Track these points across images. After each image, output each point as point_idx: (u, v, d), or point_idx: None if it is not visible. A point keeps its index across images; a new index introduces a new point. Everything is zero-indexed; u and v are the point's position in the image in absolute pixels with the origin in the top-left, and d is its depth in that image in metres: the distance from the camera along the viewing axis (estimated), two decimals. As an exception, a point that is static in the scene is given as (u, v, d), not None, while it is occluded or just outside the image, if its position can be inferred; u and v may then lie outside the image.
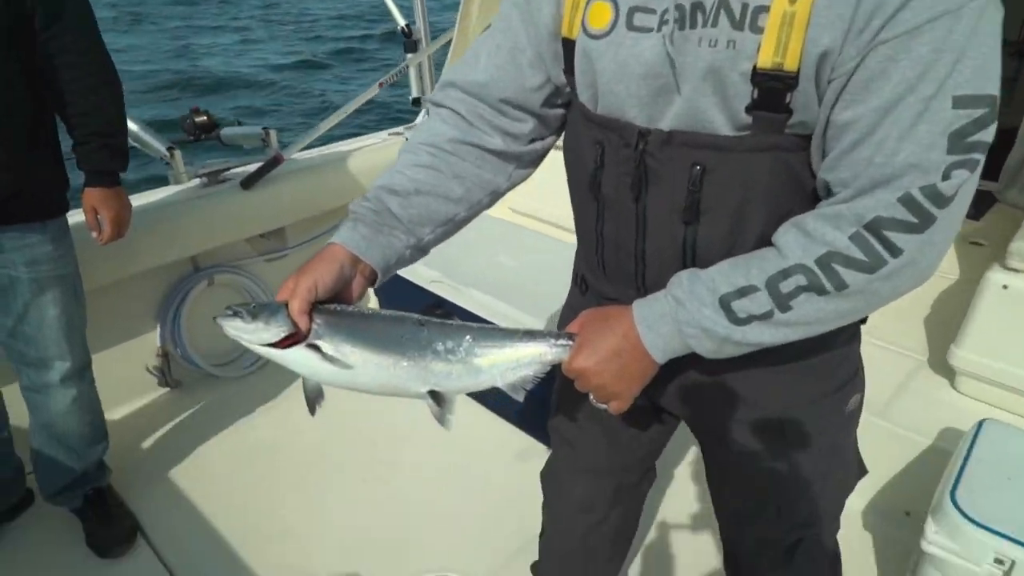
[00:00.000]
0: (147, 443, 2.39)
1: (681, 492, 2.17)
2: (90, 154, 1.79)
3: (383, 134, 3.32)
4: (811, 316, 0.85)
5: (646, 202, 0.95)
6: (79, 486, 2.01)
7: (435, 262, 2.52)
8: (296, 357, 0.92)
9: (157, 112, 9.75)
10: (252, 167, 2.69)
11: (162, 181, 2.62)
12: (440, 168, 1.05)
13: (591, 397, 0.96)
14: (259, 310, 0.91)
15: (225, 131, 2.81)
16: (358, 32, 16.46)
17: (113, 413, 2.45)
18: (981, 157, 0.77)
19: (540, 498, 1.50)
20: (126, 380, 2.52)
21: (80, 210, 1.90)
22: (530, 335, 0.95)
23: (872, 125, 0.78)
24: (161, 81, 12.17)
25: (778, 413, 1.05)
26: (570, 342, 0.94)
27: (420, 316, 0.95)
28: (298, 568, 1.92)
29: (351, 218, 1.02)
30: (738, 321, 0.86)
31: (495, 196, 1.11)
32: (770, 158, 0.86)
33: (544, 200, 3.32)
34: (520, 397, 0.95)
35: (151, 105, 10.38)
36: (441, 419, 0.95)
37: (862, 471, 1.18)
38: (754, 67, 0.81)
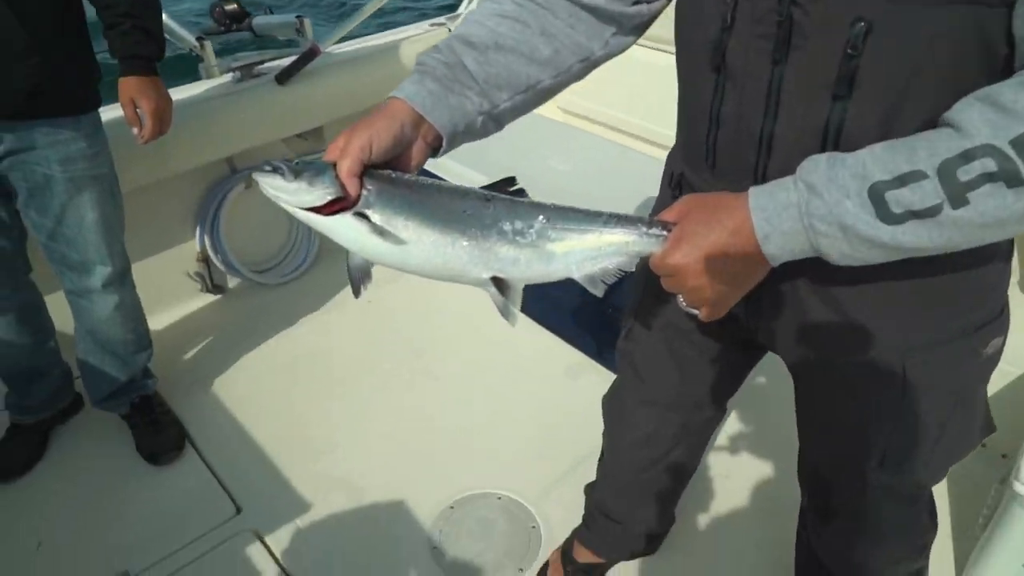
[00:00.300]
0: (192, 350, 2.36)
1: (747, 427, 2.06)
2: (122, 37, 1.66)
3: (424, 24, 3.09)
4: (991, 215, 0.65)
5: (784, 71, 0.77)
6: (125, 393, 1.99)
7: (479, 163, 2.36)
8: (341, 227, 0.79)
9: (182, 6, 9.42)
10: (287, 61, 2.51)
11: (192, 77, 2.46)
12: (527, 22, 0.90)
13: (679, 299, 0.81)
14: (303, 168, 0.78)
15: (257, 20, 2.63)
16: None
17: (156, 319, 2.42)
18: None
19: (591, 417, 1.40)
20: (168, 286, 2.47)
21: (113, 106, 1.78)
22: (617, 220, 0.80)
23: None
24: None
25: (899, 348, 0.90)
26: (665, 232, 0.78)
27: (487, 191, 0.82)
28: (342, 481, 1.89)
29: (418, 70, 0.87)
30: (890, 218, 0.67)
31: (586, 65, 0.94)
32: (956, 15, 0.67)
33: (600, 100, 3.09)
34: (599, 291, 0.82)
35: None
36: (505, 311, 0.82)
37: (989, 428, 1.02)
38: None
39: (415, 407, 2.13)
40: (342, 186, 0.78)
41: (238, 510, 1.82)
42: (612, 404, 1.38)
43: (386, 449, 1.99)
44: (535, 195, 2.48)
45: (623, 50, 0.98)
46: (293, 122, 2.58)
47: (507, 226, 0.80)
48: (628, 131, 3.01)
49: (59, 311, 1.93)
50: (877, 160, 0.68)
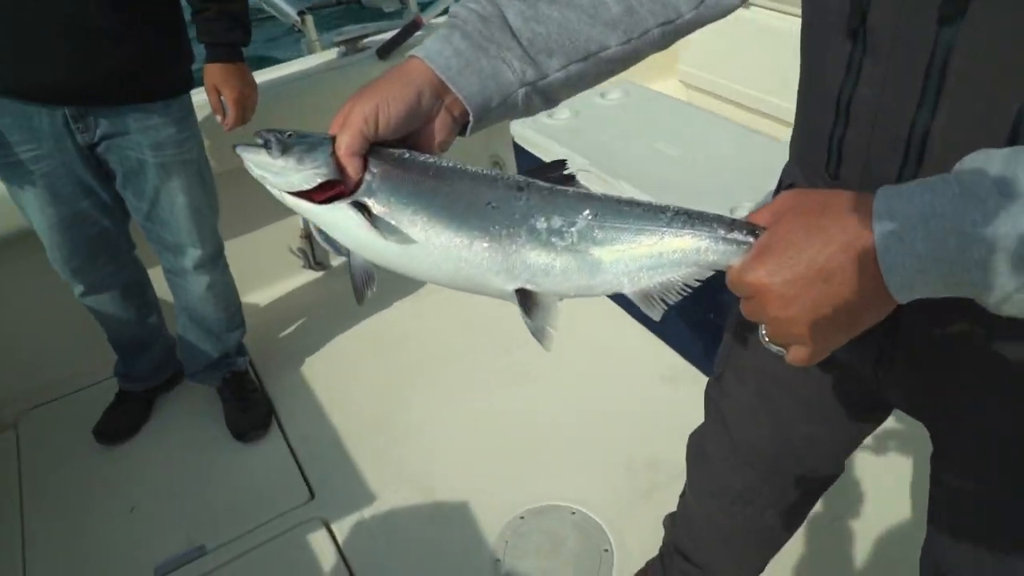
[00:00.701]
0: (288, 327, 2.40)
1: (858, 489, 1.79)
2: (207, 23, 1.65)
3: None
4: None
5: (956, 37, 0.55)
6: (218, 368, 2.04)
7: (580, 144, 2.19)
8: (335, 219, 0.64)
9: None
10: (389, 34, 2.44)
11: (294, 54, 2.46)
12: None
13: (761, 331, 0.58)
14: (294, 142, 0.64)
15: (377, -11, 2.58)
16: None
17: (257, 293, 2.48)
18: None
19: (684, 435, 1.24)
20: (271, 261, 2.52)
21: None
22: (687, 217, 0.60)
23: None
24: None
25: None
26: (750, 238, 0.58)
27: (523, 177, 0.64)
28: (414, 476, 1.84)
29: (448, 23, 0.69)
30: None
31: (670, 31, 0.73)
32: None
33: (726, 72, 2.79)
34: (657, 314, 0.62)
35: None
36: (537, 332, 0.64)
37: None
38: None
39: (498, 404, 2.03)
40: (339, 167, 0.63)
41: (312, 495, 1.82)
42: (696, 450, 1.20)
43: (462, 446, 1.91)
44: (629, 185, 2.26)
45: (724, 14, 0.76)
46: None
47: (541, 223, 0.61)
48: (760, 110, 2.70)
49: (165, 286, 2.00)
50: None
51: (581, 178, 2.18)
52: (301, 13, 2.32)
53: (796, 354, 0.57)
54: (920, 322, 0.65)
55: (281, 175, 0.64)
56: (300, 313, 2.45)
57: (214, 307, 1.94)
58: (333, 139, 0.64)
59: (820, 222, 0.52)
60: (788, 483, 1.06)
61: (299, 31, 2.37)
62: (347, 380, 2.17)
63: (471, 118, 0.68)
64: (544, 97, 0.72)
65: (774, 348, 0.59)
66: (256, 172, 0.65)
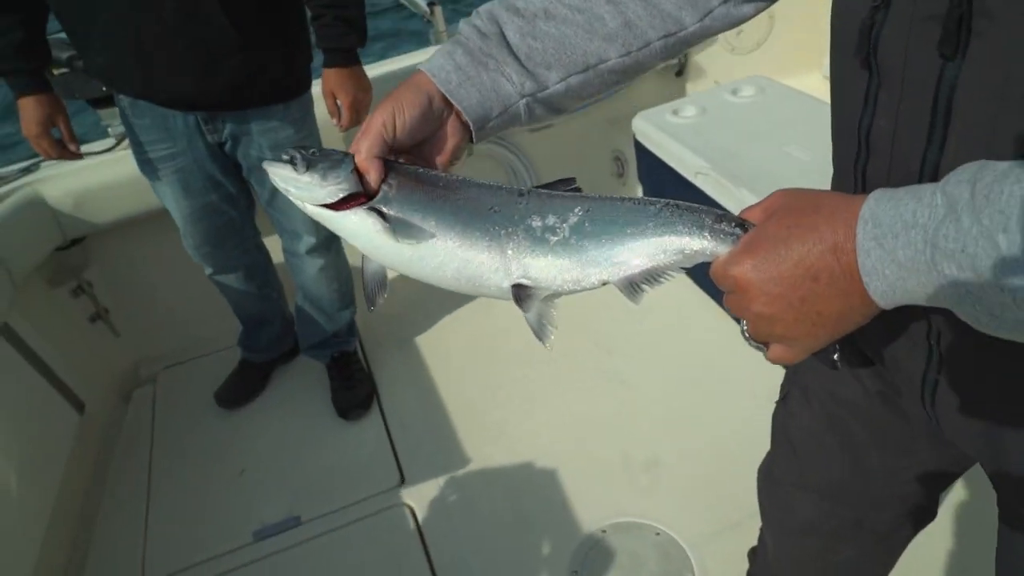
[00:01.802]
0: (399, 310, 2.46)
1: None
2: (324, 29, 1.71)
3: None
4: None
5: (959, 72, 0.53)
6: (328, 346, 2.14)
7: (702, 147, 2.08)
8: (354, 225, 0.69)
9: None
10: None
11: (421, 42, 2.50)
12: None
13: (742, 327, 0.59)
14: (318, 159, 0.69)
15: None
16: None
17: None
18: None
19: None
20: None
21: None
22: (675, 209, 0.63)
23: None
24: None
25: None
26: (737, 231, 0.59)
27: (523, 189, 0.69)
28: (502, 474, 1.84)
29: (452, 39, 0.73)
30: None
31: (673, 43, 0.73)
32: None
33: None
34: (638, 300, 0.65)
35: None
36: (538, 330, 0.68)
37: None
38: None
39: (592, 410, 1.99)
40: (360, 180, 0.68)
41: (402, 480, 1.87)
42: (766, 481, 1.13)
43: (552, 449, 1.89)
44: (749, 192, 2.12)
45: (735, 24, 0.75)
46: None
47: (536, 222, 0.66)
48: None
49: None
50: None
51: (699, 181, 2.07)
52: (431, 4, 2.35)
53: (776, 353, 0.58)
54: (959, 344, 0.63)
55: (306, 190, 0.68)
56: (410, 298, 2.51)
57: (327, 288, 2.04)
58: (351, 156, 0.69)
59: (811, 220, 0.52)
60: (864, 517, 0.97)
61: (428, 22, 2.40)
62: (447, 368, 2.21)
63: (472, 127, 0.72)
64: (547, 107, 0.74)
65: (754, 345, 0.60)
66: (282, 186, 0.70)
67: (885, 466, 0.90)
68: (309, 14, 1.72)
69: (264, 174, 1.74)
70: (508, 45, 0.71)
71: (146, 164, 1.76)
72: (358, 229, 0.69)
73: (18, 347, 1.87)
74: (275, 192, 1.83)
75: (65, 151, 1.72)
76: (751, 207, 0.58)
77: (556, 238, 0.65)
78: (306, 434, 2.07)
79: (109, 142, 2.10)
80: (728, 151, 2.05)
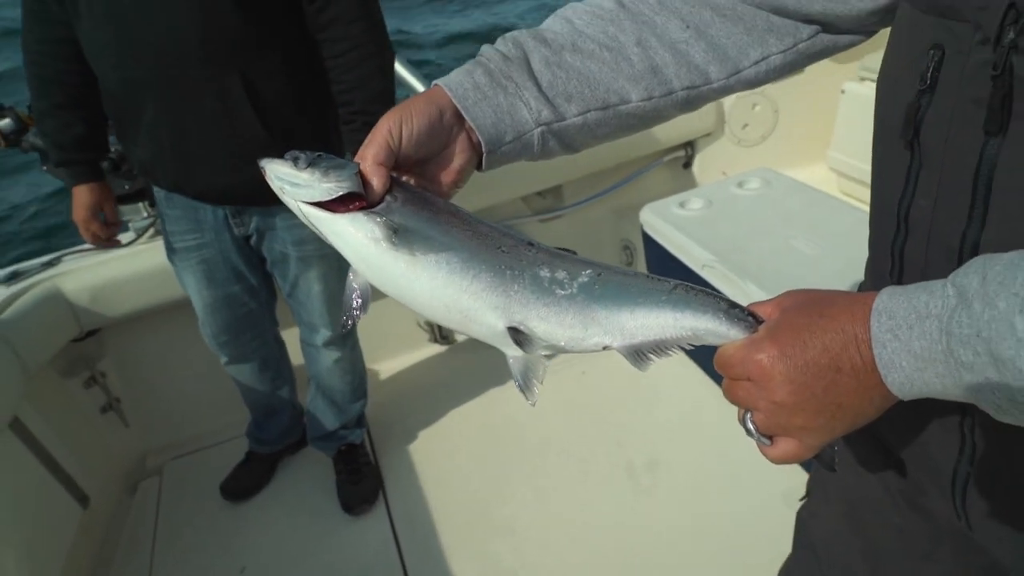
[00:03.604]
0: (407, 401, 2.46)
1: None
2: (353, 134, 1.74)
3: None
4: None
5: (1000, 151, 0.55)
6: (335, 439, 2.13)
7: (709, 240, 2.10)
8: (346, 228, 0.64)
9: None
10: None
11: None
12: (623, 24, 0.72)
13: (747, 417, 0.58)
14: (321, 159, 0.65)
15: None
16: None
17: (382, 364, 2.57)
18: None
19: None
20: (399, 333, 2.62)
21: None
22: (690, 293, 0.62)
23: None
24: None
25: None
26: (750, 319, 0.59)
27: (534, 240, 0.67)
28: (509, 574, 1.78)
29: (473, 60, 0.72)
30: None
31: (695, 96, 0.74)
32: None
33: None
34: (644, 367, 0.64)
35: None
36: (524, 381, 0.66)
37: None
38: None
39: (602, 508, 1.93)
40: (364, 180, 0.64)
41: (406, 581, 1.82)
42: None
43: (559, 552, 1.83)
44: (756, 287, 2.11)
45: (753, 87, 0.77)
46: (533, 179, 2.58)
47: (545, 272, 0.63)
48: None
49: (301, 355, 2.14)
50: None
51: (706, 274, 2.07)
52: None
53: (783, 448, 0.57)
54: (996, 434, 0.61)
55: (303, 186, 0.65)
56: (420, 388, 2.51)
57: (340, 379, 2.04)
58: (357, 164, 0.65)
59: (830, 313, 0.53)
60: None
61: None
62: (456, 462, 2.17)
63: (484, 148, 0.70)
64: (561, 141, 0.73)
65: (763, 440, 0.58)
66: (276, 183, 0.66)
67: (913, 573, 0.85)
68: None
69: (287, 267, 1.81)
70: (531, 71, 0.70)
71: (174, 253, 1.83)
72: (352, 235, 0.65)
73: (26, 440, 1.87)
74: (296, 284, 1.86)
75: (110, 235, 1.84)
76: (762, 303, 0.59)
77: (564, 292, 0.63)
78: (310, 529, 2.03)
79: (129, 236, 2.17)
80: (735, 244, 2.07)
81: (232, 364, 2.02)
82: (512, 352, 0.65)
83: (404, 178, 0.69)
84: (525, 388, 0.66)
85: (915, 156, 0.62)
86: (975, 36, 0.55)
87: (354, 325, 0.69)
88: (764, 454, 0.58)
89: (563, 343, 0.64)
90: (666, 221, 2.26)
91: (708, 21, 0.73)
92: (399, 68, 2.28)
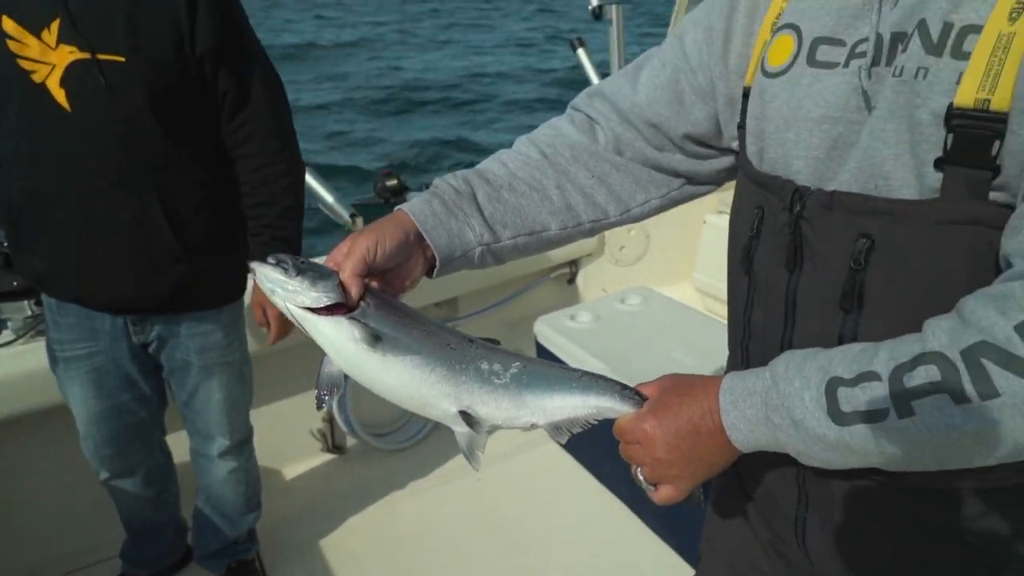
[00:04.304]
0: (300, 511, 2.38)
1: None
2: (261, 247, 1.77)
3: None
4: (939, 432, 0.59)
5: (799, 283, 0.79)
6: (226, 555, 2.02)
7: (599, 351, 2.29)
8: (330, 331, 0.78)
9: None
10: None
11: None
12: (546, 171, 0.94)
13: (637, 471, 0.79)
14: (308, 267, 0.79)
15: (413, 197, 2.83)
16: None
17: (274, 474, 2.50)
18: None
19: None
20: (291, 441, 2.56)
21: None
22: (593, 379, 0.83)
23: None
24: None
25: None
26: (638, 398, 0.80)
27: (471, 336, 0.85)
28: None
29: (429, 191, 0.90)
30: (839, 418, 0.64)
31: (598, 227, 0.98)
32: (965, 234, 0.65)
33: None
34: (563, 440, 0.82)
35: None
36: (470, 454, 0.82)
37: None
38: (950, 104, 0.64)
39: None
40: (343, 292, 0.78)
41: None
42: None
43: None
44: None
45: (641, 218, 1.00)
46: (430, 291, 2.68)
47: (485, 365, 0.81)
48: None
49: (188, 467, 2.04)
50: (847, 357, 0.66)
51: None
52: (353, 215, 2.54)
53: (664, 492, 0.77)
54: (823, 483, 0.80)
55: (295, 293, 0.78)
56: (313, 498, 2.45)
57: (233, 490, 1.97)
58: (336, 272, 0.80)
59: (692, 393, 0.76)
60: None
61: (349, 231, 2.58)
62: (354, 572, 2.12)
63: (438, 262, 0.87)
64: (495, 257, 0.93)
65: (649, 487, 0.78)
66: (267, 286, 0.79)
67: None
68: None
69: (187, 374, 1.77)
70: (477, 204, 0.90)
71: (59, 363, 1.73)
72: (335, 335, 0.78)
73: None
74: (195, 392, 1.82)
75: None
76: (647, 383, 0.80)
77: (500, 381, 0.80)
78: (194, 658, 1.88)
79: (7, 336, 2.03)
80: (621, 355, 2.27)
81: (114, 479, 1.88)
82: (460, 429, 0.81)
83: (371, 282, 0.84)
84: (471, 457, 0.81)
85: (751, 282, 0.85)
86: (779, 205, 0.79)
87: (326, 406, 0.83)
88: (651, 498, 0.78)
89: (501, 422, 0.81)
90: (559, 332, 2.44)
91: (607, 172, 0.96)
92: (310, 180, 2.38)
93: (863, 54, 0.71)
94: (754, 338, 0.86)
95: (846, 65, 0.73)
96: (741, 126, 0.88)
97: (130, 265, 1.61)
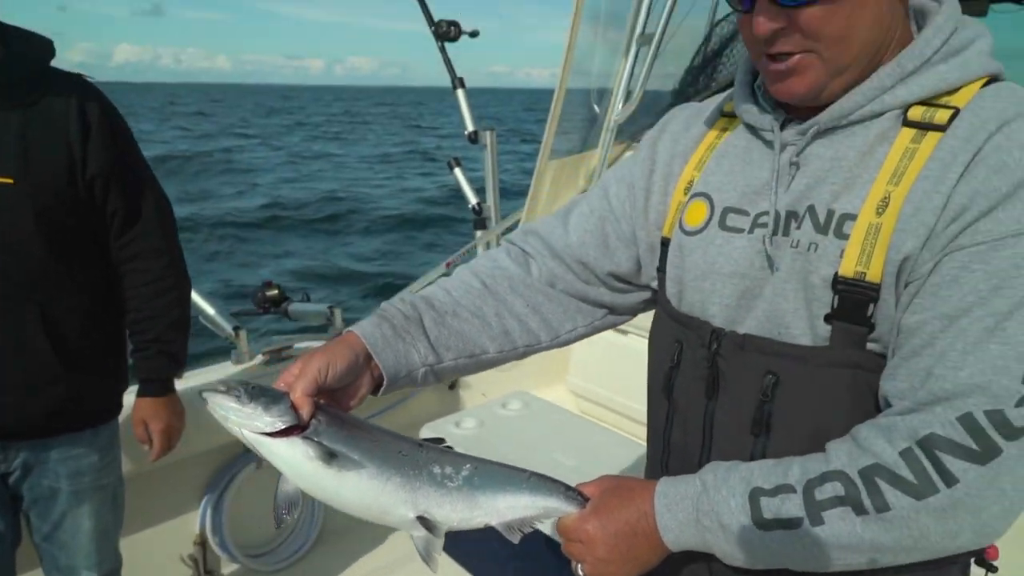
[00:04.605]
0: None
1: None
2: (147, 362, 1.76)
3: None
4: (844, 539, 0.73)
5: (715, 409, 0.92)
6: None
7: (484, 453, 2.34)
8: (286, 451, 0.82)
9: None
10: (316, 344, 2.67)
11: (225, 353, 2.62)
12: (487, 299, 1.04)
13: (578, 568, 0.87)
14: (260, 392, 0.82)
15: (293, 307, 2.85)
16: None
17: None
18: None
19: None
20: (160, 569, 2.39)
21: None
22: (540, 479, 0.89)
23: (936, 333, 0.74)
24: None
25: None
26: (581, 499, 0.88)
27: (420, 440, 0.90)
28: None
29: (378, 314, 0.98)
30: (762, 523, 0.76)
31: (531, 351, 1.08)
32: (849, 376, 0.81)
33: (609, 384, 3.16)
34: (515, 538, 0.88)
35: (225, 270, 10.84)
36: (427, 556, 0.85)
37: None
38: (836, 273, 0.80)
39: None
40: (296, 414, 0.82)
41: None
42: None
43: None
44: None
45: (570, 342, 1.11)
46: (313, 401, 2.67)
47: (437, 469, 0.86)
48: (643, 422, 3.03)
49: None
50: (764, 470, 0.79)
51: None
52: (236, 328, 2.52)
53: None
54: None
55: (249, 418, 0.81)
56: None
57: (98, 632, 1.81)
58: (287, 393, 0.83)
59: (630, 496, 0.86)
60: None
61: (232, 344, 2.55)
62: None
63: (385, 382, 0.95)
64: (436, 376, 1.01)
65: None
66: (220, 413, 0.82)
67: None
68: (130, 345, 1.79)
69: (51, 507, 1.68)
70: (423, 328, 0.99)
71: None
72: (290, 456, 0.82)
73: None
74: (59, 526, 1.70)
75: None
76: (587, 484, 0.90)
77: (453, 484, 0.86)
78: None
79: None
80: (507, 459, 2.32)
81: None
82: (418, 534, 0.86)
83: (320, 399, 0.89)
84: (428, 560, 0.86)
85: (671, 405, 0.99)
86: (698, 342, 0.94)
87: (284, 525, 0.86)
88: None
89: (456, 524, 0.87)
90: (446, 439, 2.49)
91: (541, 302, 1.08)
92: (195, 297, 2.35)
93: (764, 224, 0.87)
94: (673, 455, 0.99)
95: (750, 232, 0.89)
96: (661, 269, 1.03)
97: (4, 387, 1.53)
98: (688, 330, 0.95)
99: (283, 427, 0.82)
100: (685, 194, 0.99)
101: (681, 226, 0.97)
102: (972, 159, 0.74)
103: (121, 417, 1.82)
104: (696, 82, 3.67)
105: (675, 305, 0.99)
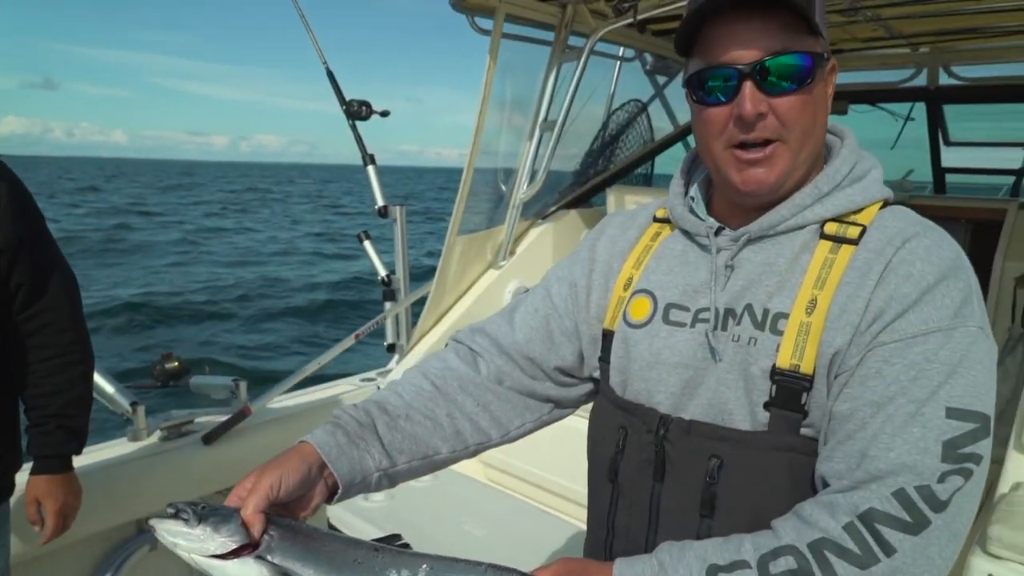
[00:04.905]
0: None
1: None
2: (45, 437, 1.69)
3: (356, 380, 3.27)
4: None
5: (662, 492, 0.95)
6: None
7: (394, 526, 2.30)
8: (239, 571, 0.80)
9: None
10: (218, 418, 2.59)
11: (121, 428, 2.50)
12: (438, 401, 1.06)
13: None
14: (207, 513, 0.79)
15: (194, 380, 2.76)
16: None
17: None
18: (976, 468, 0.79)
19: None
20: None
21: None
22: (496, 570, 0.86)
23: (866, 418, 0.82)
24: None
25: None
26: None
27: (375, 543, 0.88)
28: None
29: (332, 422, 0.99)
30: None
31: (482, 448, 1.11)
32: (786, 459, 0.88)
33: (521, 456, 3.20)
34: None
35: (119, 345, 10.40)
36: None
37: None
38: (773, 365, 0.88)
39: None
40: (247, 531, 0.81)
41: None
42: None
43: None
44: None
45: (519, 438, 1.14)
46: (217, 479, 2.55)
47: (393, 573, 0.84)
48: (552, 490, 3.07)
49: None
50: (717, 548, 0.83)
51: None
52: (134, 404, 2.43)
53: None
54: None
55: (199, 542, 0.79)
56: None
57: None
58: (236, 511, 0.82)
59: None
60: None
61: (128, 420, 2.44)
62: None
63: (340, 490, 0.95)
64: (390, 480, 1.02)
65: None
66: (169, 540, 0.79)
67: None
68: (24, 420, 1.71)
69: None
70: (377, 433, 1.00)
71: None
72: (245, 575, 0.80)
73: None
74: None
75: None
76: (543, 568, 0.88)
77: None
78: None
79: None
80: (417, 530, 2.35)
81: None
82: None
83: (270, 512, 0.88)
84: None
85: (615, 489, 1.02)
86: (643, 427, 0.98)
87: None
88: None
89: None
90: (354, 514, 2.46)
91: (490, 400, 1.12)
92: (97, 376, 2.26)
93: (705, 320, 0.96)
94: (618, 537, 1.02)
95: (692, 326, 0.96)
96: (604, 360, 1.09)
97: None
98: (633, 416, 1.00)
99: (234, 547, 0.81)
100: (625, 290, 1.07)
101: (626, 319, 1.04)
102: (884, 269, 0.86)
103: (13, 499, 1.71)
104: (596, 163, 3.95)
105: (619, 393, 1.04)
